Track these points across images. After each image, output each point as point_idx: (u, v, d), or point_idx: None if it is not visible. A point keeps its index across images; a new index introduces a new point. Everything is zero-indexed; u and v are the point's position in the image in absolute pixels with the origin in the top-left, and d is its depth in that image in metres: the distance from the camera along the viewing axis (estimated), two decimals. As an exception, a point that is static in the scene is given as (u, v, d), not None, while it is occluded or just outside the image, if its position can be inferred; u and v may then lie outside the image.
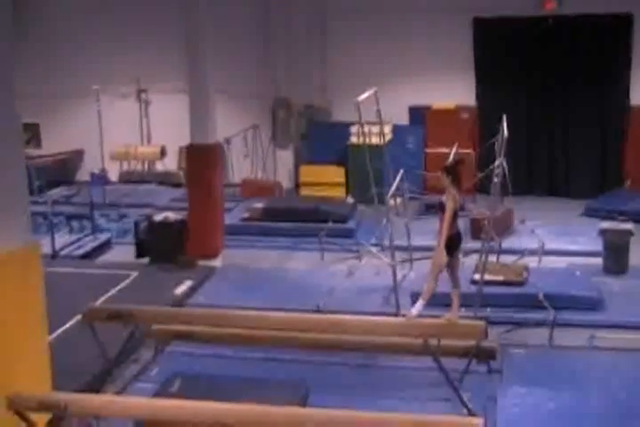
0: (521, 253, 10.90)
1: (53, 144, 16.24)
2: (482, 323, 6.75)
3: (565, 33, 14.72)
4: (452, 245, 6.96)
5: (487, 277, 9.14)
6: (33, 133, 15.44)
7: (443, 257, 6.84)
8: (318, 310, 8.91)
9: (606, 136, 14.92)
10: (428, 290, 7.05)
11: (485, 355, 6.98)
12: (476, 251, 10.65)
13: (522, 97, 15.07)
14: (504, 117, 10.17)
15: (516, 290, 9.32)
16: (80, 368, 7.42)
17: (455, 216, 6.93)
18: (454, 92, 15.30)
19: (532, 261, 10.48)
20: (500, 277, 9.47)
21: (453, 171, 7.03)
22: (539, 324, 8.71)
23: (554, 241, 11.45)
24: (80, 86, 15.79)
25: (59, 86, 16.24)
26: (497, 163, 9.50)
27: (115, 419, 6.13)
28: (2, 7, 5.88)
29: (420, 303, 6.89)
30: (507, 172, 10.00)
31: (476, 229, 11.53)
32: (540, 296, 8.98)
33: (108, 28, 16.05)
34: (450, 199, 6.92)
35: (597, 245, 10.78)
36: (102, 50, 16.10)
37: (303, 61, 15.50)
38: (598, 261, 10.56)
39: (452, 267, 7.20)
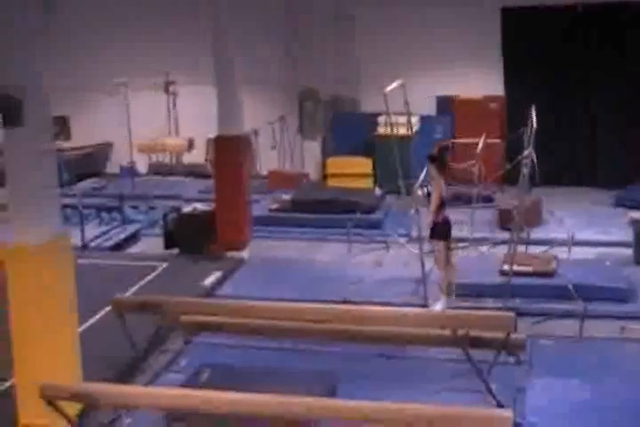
0: (550, 243, 10.83)
1: (83, 137, 16.35)
2: (511, 314, 6.72)
3: (594, 21, 14.54)
4: (441, 232, 6.89)
5: (516, 267, 9.08)
6: (62, 126, 15.55)
7: (440, 248, 6.85)
8: (346, 301, 8.91)
9: (636, 125, 14.73)
10: (443, 283, 7.04)
11: (514, 346, 6.95)
12: (504, 242, 10.62)
13: (550, 86, 14.90)
14: (533, 107, 10.08)
15: (546, 281, 9.25)
16: (110, 359, 7.49)
17: (442, 204, 6.87)
18: (482, 82, 15.18)
19: (561, 252, 10.40)
20: (529, 268, 9.41)
21: (439, 158, 6.99)
22: (568, 315, 8.64)
23: (583, 231, 11.35)
24: (109, 79, 15.84)
25: (87, 79, 16.33)
26: (525, 153, 9.44)
27: (145, 409, 6.18)
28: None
29: (442, 299, 6.88)
30: (535, 162, 9.93)
31: (505, 220, 11.47)
32: (570, 287, 8.91)
33: (137, 21, 16.10)
34: (435, 187, 6.89)
35: (628, 236, 10.67)
36: (130, 42, 16.17)
37: (330, 51, 15.45)
38: (629, 251, 10.45)
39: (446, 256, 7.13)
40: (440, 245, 6.78)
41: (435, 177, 6.84)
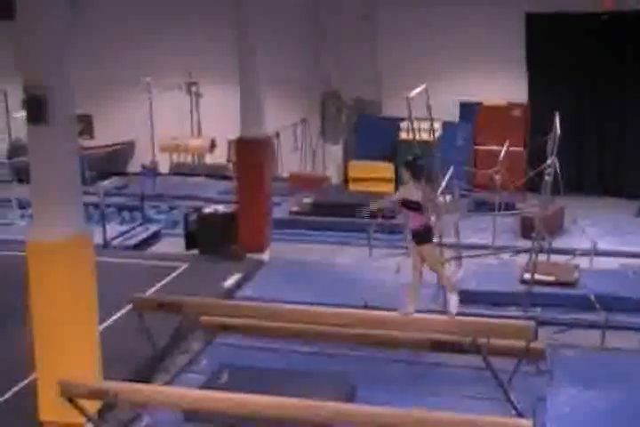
0: (572, 252, 10.75)
1: (105, 135, 16.44)
2: (532, 323, 6.67)
3: (621, 29, 14.44)
4: (420, 238, 6.92)
5: (537, 276, 9.03)
6: (86, 125, 15.63)
7: (431, 250, 6.93)
8: (365, 306, 8.88)
9: (662, 135, 14.63)
10: (448, 282, 7.11)
11: (535, 355, 6.91)
12: (526, 250, 10.55)
13: (575, 94, 14.82)
14: (557, 115, 10.02)
15: (567, 290, 9.20)
16: (129, 357, 7.51)
17: (420, 210, 6.87)
18: (506, 88, 15.12)
19: (583, 262, 10.32)
20: (551, 278, 9.35)
21: (413, 166, 7.00)
22: (590, 325, 8.58)
23: (606, 241, 11.26)
24: (132, 78, 15.96)
25: (111, 78, 16.42)
26: (548, 161, 9.38)
27: (164, 409, 6.18)
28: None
29: (453, 299, 6.85)
30: (558, 170, 9.86)
31: (527, 228, 11.40)
32: (592, 297, 8.84)
33: (161, 20, 16.17)
34: (402, 193, 6.94)
35: (652, 247, 10.59)
36: (155, 41, 16.24)
37: (354, 54, 15.42)
38: (652, 262, 10.38)
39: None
40: (429, 247, 6.89)
41: (408, 184, 6.90)
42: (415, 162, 7.03)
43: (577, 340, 8.36)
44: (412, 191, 6.84)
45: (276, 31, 14.20)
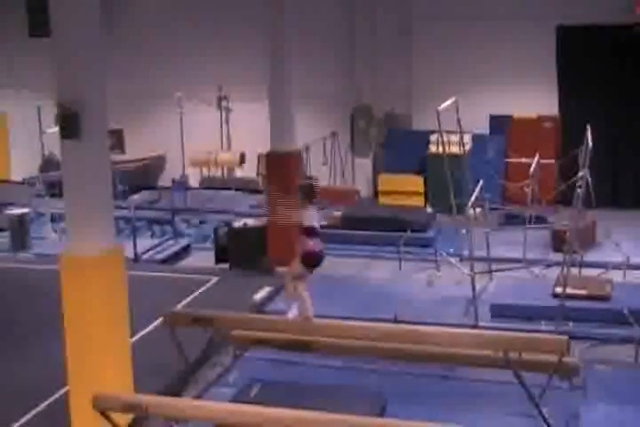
0: (604, 266, 10.63)
1: (136, 150, 16.60)
2: (564, 338, 6.58)
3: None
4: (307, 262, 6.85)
5: (570, 290, 8.93)
6: (117, 139, 15.79)
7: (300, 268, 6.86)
8: (396, 320, 8.84)
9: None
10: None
11: (567, 371, 6.81)
12: (558, 263, 10.45)
13: (606, 106, 14.69)
14: (588, 127, 9.95)
15: (601, 305, 9.08)
16: (160, 371, 7.53)
17: (311, 234, 6.80)
18: (537, 101, 15.06)
19: (616, 276, 10.20)
20: (584, 292, 9.24)
21: (307, 190, 6.94)
22: (624, 340, 8.46)
23: (640, 255, 11.13)
24: (162, 93, 16.11)
25: (141, 92, 16.59)
26: (580, 174, 9.31)
27: (194, 422, 6.18)
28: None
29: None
30: (590, 183, 9.78)
31: (558, 241, 11.30)
32: (626, 312, 8.72)
33: (192, 35, 16.33)
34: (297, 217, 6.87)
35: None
36: (185, 57, 16.39)
37: (388, 68, 15.46)
38: (687, 277, 10.23)
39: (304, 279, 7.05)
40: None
41: (301, 208, 6.85)
42: (310, 187, 6.93)
43: (610, 355, 8.26)
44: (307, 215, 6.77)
45: (309, 45, 14.28)
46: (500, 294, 9.72)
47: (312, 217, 6.75)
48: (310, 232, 6.80)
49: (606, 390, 7.36)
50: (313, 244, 6.78)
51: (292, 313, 6.82)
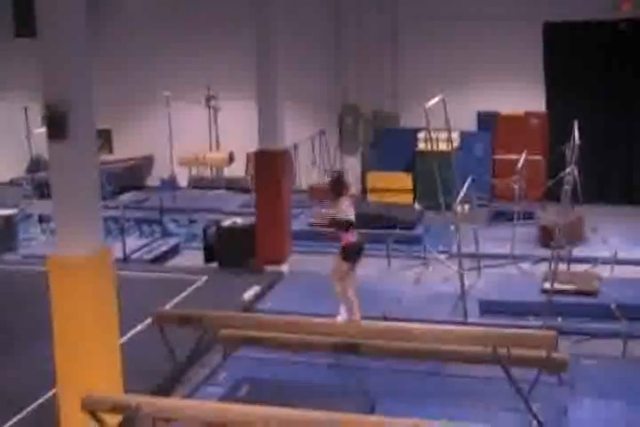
0: (592, 261, 10.69)
1: (124, 149, 16.57)
2: (552, 333, 6.62)
3: (638, 37, 14.39)
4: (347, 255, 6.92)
5: (558, 286, 8.97)
6: (105, 139, 15.77)
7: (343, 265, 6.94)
8: (385, 318, 8.87)
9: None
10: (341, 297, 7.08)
11: (556, 366, 6.85)
12: (545, 259, 10.51)
13: (593, 102, 14.75)
14: (575, 124, 9.99)
15: (589, 300, 9.13)
16: (150, 371, 7.53)
17: (348, 227, 6.87)
18: (524, 98, 15.10)
19: (604, 271, 10.26)
20: (572, 287, 9.29)
21: (337, 184, 7.00)
22: (612, 335, 8.51)
23: (628, 250, 11.18)
24: (151, 93, 16.08)
25: (130, 93, 16.56)
26: (567, 170, 9.36)
27: (184, 422, 6.18)
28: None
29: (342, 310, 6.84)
30: (577, 179, 9.83)
31: (546, 237, 11.36)
32: (613, 307, 8.78)
33: (180, 35, 16.30)
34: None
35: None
36: (173, 56, 16.36)
37: (374, 68, 15.48)
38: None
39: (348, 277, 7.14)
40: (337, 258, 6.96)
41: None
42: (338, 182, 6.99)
43: (598, 350, 8.30)
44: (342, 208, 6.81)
45: (296, 44, 14.27)
46: (489, 290, 9.76)
47: (347, 209, 6.75)
48: (347, 225, 6.82)
49: (594, 384, 7.40)
50: (349, 235, 6.79)
51: (342, 316, 6.78)
